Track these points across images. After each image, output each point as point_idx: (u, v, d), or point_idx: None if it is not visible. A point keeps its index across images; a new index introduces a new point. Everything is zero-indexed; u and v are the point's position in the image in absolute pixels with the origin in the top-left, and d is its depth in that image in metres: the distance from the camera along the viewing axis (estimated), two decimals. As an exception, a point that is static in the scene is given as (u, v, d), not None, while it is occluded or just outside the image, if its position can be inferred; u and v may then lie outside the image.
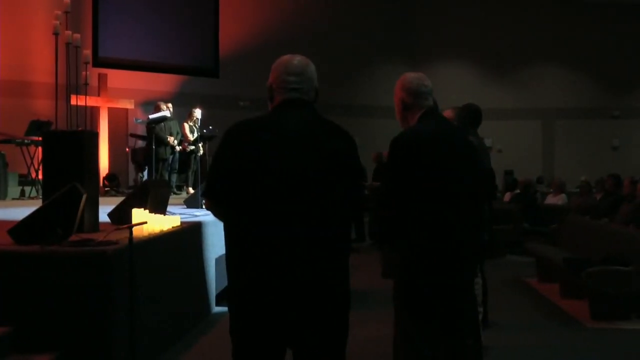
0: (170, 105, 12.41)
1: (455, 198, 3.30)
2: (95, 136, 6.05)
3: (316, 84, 2.92)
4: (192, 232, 6.42)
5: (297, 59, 2.90)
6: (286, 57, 2.93)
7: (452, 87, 17.41)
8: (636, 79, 20.45)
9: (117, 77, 14.69)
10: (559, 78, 20.61)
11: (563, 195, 13.54)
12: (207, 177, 2.92)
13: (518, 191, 13.85)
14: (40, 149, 9.21)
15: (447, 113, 5.28)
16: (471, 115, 5.74)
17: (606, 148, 20.48)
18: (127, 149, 14.18)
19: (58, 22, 10.49)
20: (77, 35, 11.12)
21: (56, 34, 10.36)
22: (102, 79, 13.66)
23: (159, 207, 6.30)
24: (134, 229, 4.15)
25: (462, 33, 20.36)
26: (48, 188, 5.27)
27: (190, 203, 8.89)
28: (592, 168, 18.53)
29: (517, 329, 6.64)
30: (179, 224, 6.03)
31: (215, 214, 2.94)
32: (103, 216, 5.87)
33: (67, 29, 10.66)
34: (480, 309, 5.45)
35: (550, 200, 13.76)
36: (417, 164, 3.26)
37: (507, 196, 14.30)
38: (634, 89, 20.63)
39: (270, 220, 2.63)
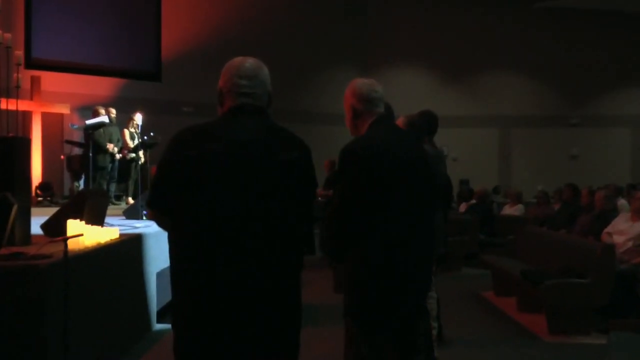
0: (113, 110, 12.27)
1: (408, 209, 3.31)
2: (27, 142, 5.95)
3: (270, 88, 2.90)
4: (131, 245, 6.36)
5: (249, 62, 2.88)
6: (238, 59, 2.90)
7: (405, 93, 17.57)
8: (595, 86, 20.89)
9: (51, 80, 14.48)
10: (516, 85, 20.97)
11: (520, 206, 13.76)
12: (151, 186, 2.89)
13: (474, 201, 14.00)
14: (-33, 156, 8.98)
15: (401, 121, 5.33)
16: (427, 122, 5.77)
17: (564, 157, 20.88)
18: (62, 157, 13.96)
19: (-13, 21, 10.31)
20: (8, 35, 10.92)
21: (-15, 34, 10.18)
22: (35, 81, 13.40)
23: (96, 218, 6.22)
24: (69, 241, 4.09)
25: (416, 38, 20.60)
26: (-24, 198, 5.16)
27: (130, 214, 8.80)
28: (549, 178, 18.88)
29: (474, 345, 6.73)
30: (117, 236, 5.96)
31: (160, 225, 2.91)
32: (36, 228, 5.77)
33: (-3, 28, 10.47)
34: (435, 324, 5.50)
35: (507, 210, 13.97)
36: (367, 174, 3.26)
37: (463, 207, 14.45)
38: (593, 96, 21.06)
39: (218, 234, 2.62)
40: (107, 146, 11.67)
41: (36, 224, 5.81)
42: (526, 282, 7.54)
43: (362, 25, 20.64)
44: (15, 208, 4.61)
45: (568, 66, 20.65)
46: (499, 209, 14.81)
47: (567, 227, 10.02)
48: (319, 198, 8.28)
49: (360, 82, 3.58)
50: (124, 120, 12.62)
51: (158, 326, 6.98)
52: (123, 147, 12.22)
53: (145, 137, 12.02)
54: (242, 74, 2.83)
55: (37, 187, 12.15)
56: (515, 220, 12.61)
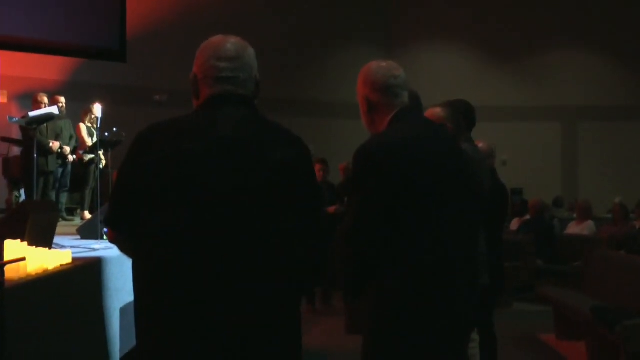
0: (62, 99, 12.27)
1: (442, 228, 3.31)
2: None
3: (257, 73, 2.93)
4: (88, 273, 6.36)
5: (230, 41, 2.91)
6: (217, 38, 2.94)
7: (440, 79, 17.60)
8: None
9: (-19, 60, 14.55)
10: (583, 67, 20.85)
11: (590, 223, 13.69)
12: (111, 198, 2.89)
13: (528, 217, 13.98)
14: None
15: (430, 112, 5.32)
16: (462, 114, 5.76)
17: (649, 160, 20.72)
18: (-3, 159, 14.02)
19: None
20: None
21: None
22: (-39, 62, 13.50)
23: (43, 238, 6.23)
24: (6, 268, 4.11)
25: (453, 10, 20.53)
26: None
27: (87, 232, 8.80)
28: (629, 186, 18.74)
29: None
30: (70, 260, 5.97)
31: (121, 249, 2.93)
32: (-36, 251, 5.78)
33: None
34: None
35: (573, 229, 13.91)
36: (387, 183, 3.26)
37: (515, 223, 14.42)
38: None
39: (194, 258, 2.62)
40: (51, 145, 11.58)
41: (-35, 245, 5.82)
42: (598, 323, 7.50)
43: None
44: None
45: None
46: (562, 227, 14.75)
47: (652, 251, 9.98)
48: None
49: (375, 67, 3.58)
50: (78, 111, 12.62)
51: (121, 377, 6.99)
52: (78, 147, 12.21)
53: (106, 134, 12.01)
54: (222, 55, 2.86)
55: (-35, 198, 12.21)
56: (583, 241, 12.55)
